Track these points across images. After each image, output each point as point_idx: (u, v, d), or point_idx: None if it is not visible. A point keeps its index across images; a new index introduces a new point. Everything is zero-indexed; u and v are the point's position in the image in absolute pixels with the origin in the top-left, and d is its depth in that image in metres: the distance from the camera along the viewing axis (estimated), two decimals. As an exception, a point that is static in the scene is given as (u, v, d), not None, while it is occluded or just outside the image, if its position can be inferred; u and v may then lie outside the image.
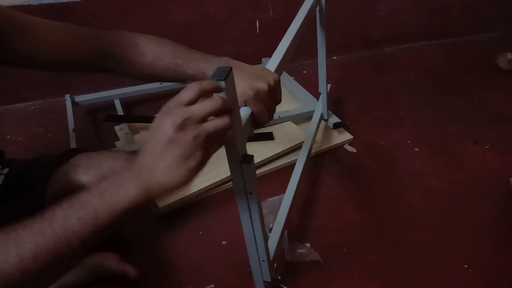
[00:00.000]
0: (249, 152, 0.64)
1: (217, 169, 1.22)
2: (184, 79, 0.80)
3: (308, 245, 1.07)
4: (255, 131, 1.38)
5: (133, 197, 0.51)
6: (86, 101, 1.59)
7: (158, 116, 0.52)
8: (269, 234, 0.94)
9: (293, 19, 1.00)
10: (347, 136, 1.47)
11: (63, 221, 0.49)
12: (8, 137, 1.50)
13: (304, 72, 1.93)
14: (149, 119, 1.49)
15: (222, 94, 0.53)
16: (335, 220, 1.16)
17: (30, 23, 0.74)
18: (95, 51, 0.79)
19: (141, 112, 1.64)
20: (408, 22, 2.17)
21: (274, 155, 1.33)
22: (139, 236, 1.11)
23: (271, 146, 1.36)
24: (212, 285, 0.98)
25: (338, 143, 1.44)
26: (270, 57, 0.81)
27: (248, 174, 0.65)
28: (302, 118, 1.51)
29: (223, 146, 0.60)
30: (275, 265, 0.94)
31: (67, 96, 1.56)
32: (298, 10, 1.05)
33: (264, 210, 1.11)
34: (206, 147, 0.51)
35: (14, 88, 1.64)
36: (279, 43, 0.87)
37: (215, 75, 0.53)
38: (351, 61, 2.07)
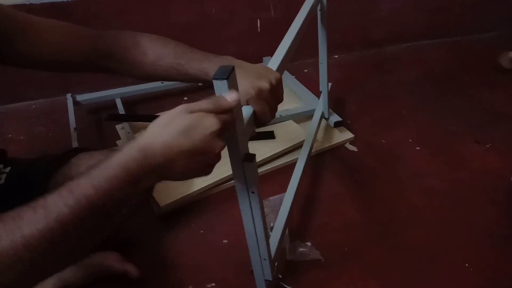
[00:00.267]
0: (250, 151, 0.65)
1: (219, 168, 1.22)
2: (186, 78, 0.80)
3: (309, 244, 1.07)
4: (256, 130, 1.38)
5: (147, 188, 0.54)
6: (88, 100, 1.60)
7: (182, 115, 0.53)
8: (270, 233, 0.95)
9: (294, 18, 1.00)
10: (348, 135, 1.47)
11: (73, 219, 0.48)
12: (10, 136, 1.50)
13: (306, 71, 1.93)
14: (150, 118, 1.48)
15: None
16: (336, 219, 1.16)
17: (31, 23, 0.74)
18: (96, 51, 0.79)
19: (143, 111, 1.64)
20: (409, 22, 2.17)
21: (275, 154, 1.33)
22: (141, 235, 1.11)
23: (272, 145, 1.36)
24: (213, 284, 0.98)
25: (339, 142, 1.44)
26: (271, 56, 0.81)
27: (250, 173, 0.65)
28: (304, 117, 1.51)
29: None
30: (276, 264, 0.94)
31: (69, 95, 1.56)
32: (299, 10, 1.05)
33: (265, 209, 1.11)
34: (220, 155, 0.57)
35: (15, 88, 1.64)
36: (280, 42, 0.87)
37: (218, 74, 0.53)
38: (352, 60, 2.07)
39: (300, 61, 1.98)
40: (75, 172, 0.85)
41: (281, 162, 1.33)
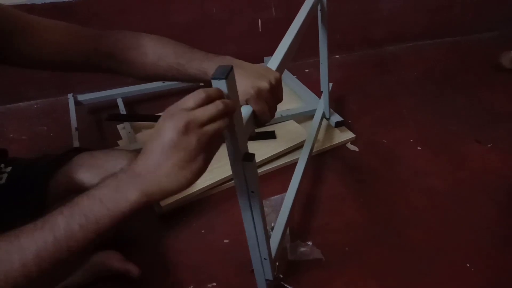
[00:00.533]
0: (250, 151, 0.65)
1: (219, 168, 1.23)
2: (187, 78, 0.80)
3: (310, 243, 1.07)
4: (257, 130, 1.38)
5: (134, 202, 0.51)
6: (89, 100, 1.60)
7: (160, 120, 0.52)
8: (271, 232, 0.95)
9: (294, 18, 1.00)
10: (349, 134, 1.47)
11: (65, 230, 0.49)
12: (11, 136, 1.51)
13: (307, 71, 1.93)
14: (151, 118, 1.49)
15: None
16: (337, 219, 1.16)
17: (32, 23, 0.74)
18: (97, 52, 0.80)
19: (144, 111, 1.64)
20: (409, 22, 2.17)
21: (276, 154, 1.33)
22: (142, 235, 1.11)
23: (273, 145, 1.36)
24: (214, 284, 0.98)
25: (340, 141, 1.44)
26: (272, 56, 0.81)
27: (250, 173, 0.65)
28: (304, 117, 1.51)
29: (225, 145, 0.60)
30: (277, 263, 0.94)
31: (70, 95, 1.57)
32: (300, 9, 1.05)
33: (266, 209, 1.11)
34: (208, 150, 0.52)
35: (16, 88, 1.65)
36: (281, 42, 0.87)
37: (216, 74, 0.54)
38: (353, 60, 2.07)
39: (301, 61, 1.98)
40: (75, 172, 0.86)
41: (282, 162, 1.33)
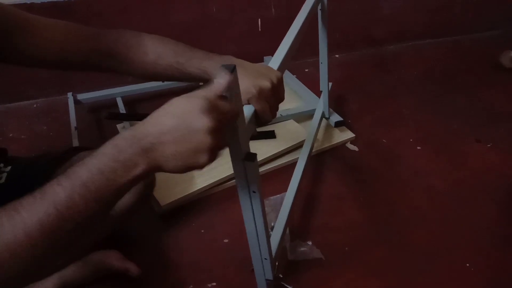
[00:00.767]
0: (251, 150, 0.65)
1: (220, 167, 1.23)
2: (186, 77, 0.80)
3: (310, 243, 1.07)
4: (257, 130, 1.38)
5: (139, 174, 0.50)
6: (89, 99, 1.60)
7: (186, 99, 0.51)
8: (270, 232, 0.95)
9: (295, 17, 1.00)
10: (349, 134, 1.47)
11: (66, 201, 0.48)
12: (11, 135, 1.50)
13: (306, 70, 1.93)
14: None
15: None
16: (337, 218, 1.16)
17: (31, 22, 0.74)
18: (97, 51, 0.79)
19: (143, 110, 1.64)
20: (409, 21, 2.17)
21: (276, 153, 1.33)
22: (141, 234, 1.11)
23: (273, 144, 1.36)
24: (214, 283, 0.98)
25: (340, 141, 1.44)
26: (272, 55, 0.81)
27: (252, 172, 0.65)
28: (304, 117, 1.51)
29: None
30: (276, 263, 0.94)
31: (69, 94, 1.57)
32: (300, 9, 1.05)
33: (266, 208, 1.11)
34: (222, 147, 0.53)
35: (16, 87, 1.64)
36: (281, 41, 0.87)
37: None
38: (353, 60, 2.07)
39: (300, 60, 1.98)
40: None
41: (282, 162, 1.33)
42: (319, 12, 1.23)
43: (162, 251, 1.06)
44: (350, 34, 2.09)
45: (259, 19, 1.86)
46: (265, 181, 1.24)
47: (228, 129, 0.57)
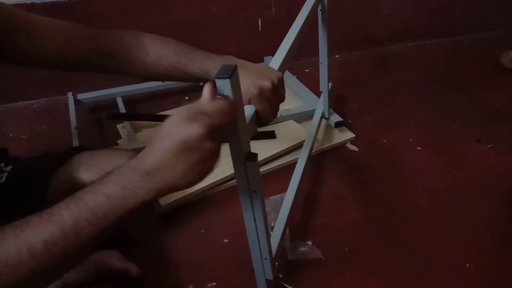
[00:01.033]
0: (251, 150, 0.65)
1: (220, 167, 1.22)
2: (188, 78, 0.80)
3: (310, 243, 1.07)
4: (257, 130, 1.38)
5: (143, 199, 0.51)
6: (89, 99, 1.60)
7: (173, 119, 0.51)
8: (270, 232, 0.95)
9: (295, 17, 1.00)
10: (349, 134, 1.47)
11: (72, 224, 0.49)
12: (11, 135, 1.50)
13: (307, 70, 1.93)
14: (151, 117, 1.49)
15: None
16: (337, 218, 1.16)
17: (32, 21, 0.74)
18: (97, 51, 0.79)
19: (144, 110, 1.64)
20: (409, 21, 2.17)
21: (276, 153, 1.33)
22: (142, 234, 1.11)
23: (273, 144, 1.36)
24: (214, 283, 0.98)
25: (340, 141, 1.44)
26: (272, 55, 0.81)
27: (252, 172, 0.65)
28: (305, 117, 1.51)
29: (226, 144, 0.60)
30: (276, 263, 0.94)
31: (70, 94, 1.57)
32: (300, 9, 1.05)
33: (266, 208, 1.11)
34: (218, 154, 0.54)
35: (16, 87, 1.64)
36: (281, 41, 0.87)
37: (220, 73, 0.53)
38: (353, 60, 2.07)
39: (301, 60, 1.98)
40: (75, 171, 0.85)
41: (282, 162, 1.33)
42: (319, 12, 1.23)
43: (162, 251, 1.06)
44: (350, 34, 2.09)
45: (260, 19, 1.86)
46: (265, 181, 1.24)
47: (228, 127, 0.58)
